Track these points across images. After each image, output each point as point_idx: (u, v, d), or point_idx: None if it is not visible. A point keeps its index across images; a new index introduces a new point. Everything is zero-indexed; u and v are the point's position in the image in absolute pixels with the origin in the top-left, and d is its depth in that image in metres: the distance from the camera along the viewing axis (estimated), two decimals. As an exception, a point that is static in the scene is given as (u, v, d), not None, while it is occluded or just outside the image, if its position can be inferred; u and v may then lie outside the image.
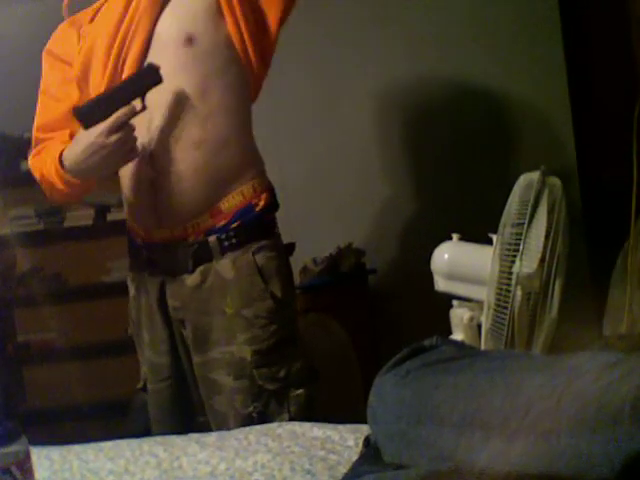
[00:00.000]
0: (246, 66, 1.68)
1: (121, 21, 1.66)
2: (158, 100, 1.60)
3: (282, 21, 1.68)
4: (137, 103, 1.56)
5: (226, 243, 1.66)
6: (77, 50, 1.73)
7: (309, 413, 1.67)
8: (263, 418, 1.64)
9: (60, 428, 2.98)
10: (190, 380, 1.75)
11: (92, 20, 1.75)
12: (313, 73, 3.20)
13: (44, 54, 1.80)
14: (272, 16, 1.67)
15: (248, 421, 1.63)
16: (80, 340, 3.35)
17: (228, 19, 1.64)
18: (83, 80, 1.72)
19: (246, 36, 1.65)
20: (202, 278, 1.67)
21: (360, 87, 3.23)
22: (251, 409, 1.65)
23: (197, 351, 1.70)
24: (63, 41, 1.78)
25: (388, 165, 3.25)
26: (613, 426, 0.80)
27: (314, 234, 3.14)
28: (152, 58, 1.64)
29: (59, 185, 1.68)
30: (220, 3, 1.64)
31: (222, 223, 1.66)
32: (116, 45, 1.66)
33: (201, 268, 1.67)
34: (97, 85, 1.68)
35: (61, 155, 1.66)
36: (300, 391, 1.69)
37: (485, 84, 3.19)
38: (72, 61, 1.74)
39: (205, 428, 1.70)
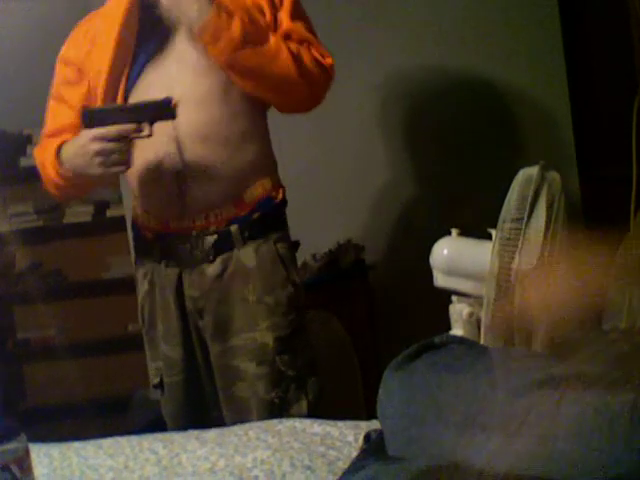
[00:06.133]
0: None
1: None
2: (189, 97, 1.64)
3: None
4: (145, 127, 1.57)
5: (247, 233, 1.70)
6: (85, 52, 1.74)
7: (322, 401, 1.73)
8: (284, 404, 1.68)
9: (59, 425, 2.98)
10: (204, 373, 1.77)
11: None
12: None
13: (57, 61, 1.79)
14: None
15: (269, 407, 1.67)
16: (80, 337, 3.35)
17: None
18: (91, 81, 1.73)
19: None
20: (223, 267, 1.70)
21: (359, 83, 3.22)
22: (273, 395, 1.68)
23: (217, 340, 1.72)
24: (74, 46, 1.78)
25: (388, 161, 3.25)
26: (610, 432, 0.80)
27: (313, 230, 3.13)
28: (177, 61, 1.68)
29: (54, 176, 1.69)
30: None
31: (243, 213, 1.71)
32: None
33: (222, 257, 1.70)
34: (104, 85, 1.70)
35: (60, 147, 1.67)
36: (314, 379, 1.74)
37: (485, 80, 3.18)
38: (82, 66, 1.74)
39: (220, 423, 1.70)
